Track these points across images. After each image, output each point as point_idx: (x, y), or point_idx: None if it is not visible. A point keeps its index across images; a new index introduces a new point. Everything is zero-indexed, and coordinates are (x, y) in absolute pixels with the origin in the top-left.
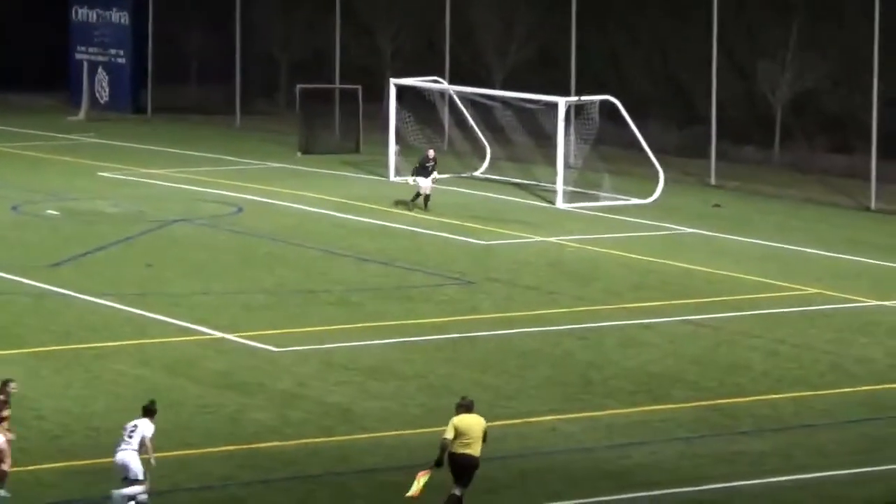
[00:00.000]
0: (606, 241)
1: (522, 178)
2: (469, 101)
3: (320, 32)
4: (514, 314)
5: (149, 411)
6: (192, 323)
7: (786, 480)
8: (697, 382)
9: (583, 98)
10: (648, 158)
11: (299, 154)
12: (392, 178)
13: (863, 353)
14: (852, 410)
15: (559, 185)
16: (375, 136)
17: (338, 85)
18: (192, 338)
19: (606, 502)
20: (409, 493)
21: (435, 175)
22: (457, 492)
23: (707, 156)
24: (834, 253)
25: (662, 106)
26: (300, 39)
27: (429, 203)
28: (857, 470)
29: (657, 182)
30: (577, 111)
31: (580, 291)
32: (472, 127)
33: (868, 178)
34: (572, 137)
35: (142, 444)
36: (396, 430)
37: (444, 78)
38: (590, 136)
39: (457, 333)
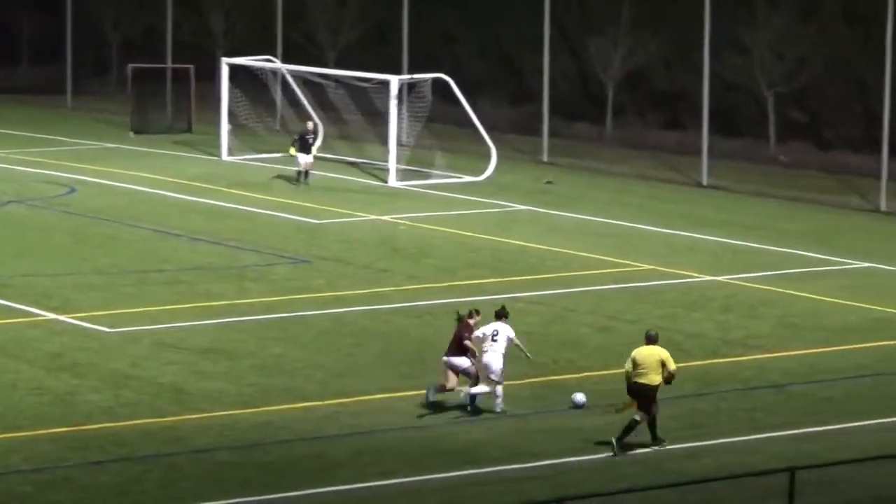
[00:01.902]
0: (439, 219)
1: (355, 157)
2: (302, 79)
3: (152, 11)
4: (346, 293)
5: None
6: (23, 304)
7: (622, 456)
8: (531, 359)
9: (415, 76)
10: (481, 136)
11: (132, 134)
12: (224, 157)
13: (695, 328)
14: (684, 385)
15: (392, 164)
16: (208, 116)
17: (170, 64)
18: (23, 319)
19: (440, 479)
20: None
21: (317, 145)
22: (637, 417)
23: (539, 133)
24: (666, 229)
25: (495, 83)
26: (131, 18)
27: (308, 178)
28: (690, 444)
29: (490, 159)
30: (410, 89)
31: (413, 269)
32: (304, 106)
33: (700, 154)
34: (405, 115)
35: None
36: (228, 409)
37: (276, 57)
38: (422, 114)
39: (289, 312)
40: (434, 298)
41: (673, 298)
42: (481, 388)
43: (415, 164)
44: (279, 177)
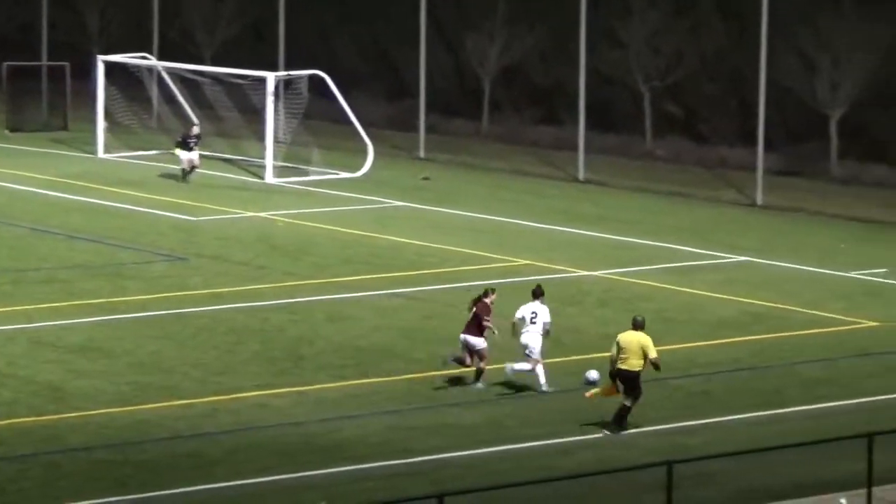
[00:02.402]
0: (316, 216)
1: (232, 154)
2: (178, 77)
3: (27, 8)
4: (223, 290)
5: None
6: None
7: (496, 451)
8: (407, 355)
9: (291, 73)
10: (358, 132)
11: (7, 132)
12: (101, 154)
13: (572, 323)
14: (563, 380)
15: (268, 160)
16: (84, 114)
17: (45, 62)
18: None
19: (317, 476)
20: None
21: (197, 150)
22: (627, 403)
23: (416, 129)
24: (543, 224)
25: (371, 80)
26: (6, 15)
27: (190, 176)
28: (567, 439)
29: (366, 156)
30: (286, 86)
31: (290, 266)
32: (181, 103)
33: (576, 149)
34: (281, 112)
35: None
36: (106, 408)
37: (152, 54)
38: (299, 110)
39: (167, 310)
40: (311, 295)
41: (550, 293)
42: (523, 366)
43: (291, 160)
44: (156, 174)
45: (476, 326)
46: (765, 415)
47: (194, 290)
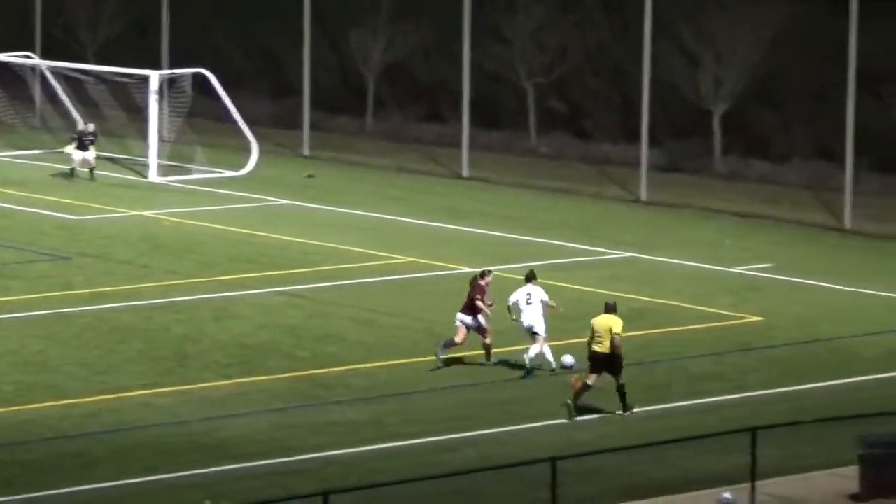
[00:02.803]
0: (201, 214)
1: (116, 153)
2: (62, 75)
3: None
4: (107, 289)
5: None
6: None
7: (380, 448)
8: (292, 353)
9: (175, 71)
10: (242, 130)
11: None
12: None
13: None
14: (446, 378)
15: (152, 159)
16: None
17: None
18: None
19: (201, 475)
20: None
21: (93, 150)
22: (588, 381)
23: (300, 126)
24: (427, 221)
25: (256, 77)
26: None
27: (91, 174)
28: (450, 436)
29: (250, 154)
30: (170, 84)
31: (174, 265)
32: (64, 102)
33: (460, 147)
34: (165, 111)
35: None
36: None
37: (35, 53)
38: (183, 109)
39: (50, 310)
40: (196, 294)
41: (433, 290)
42: (534, 349)
43: (176, 159)
44: (40, 173)
45: (469, 307)
46: (651, 409)
47: (78, 290)
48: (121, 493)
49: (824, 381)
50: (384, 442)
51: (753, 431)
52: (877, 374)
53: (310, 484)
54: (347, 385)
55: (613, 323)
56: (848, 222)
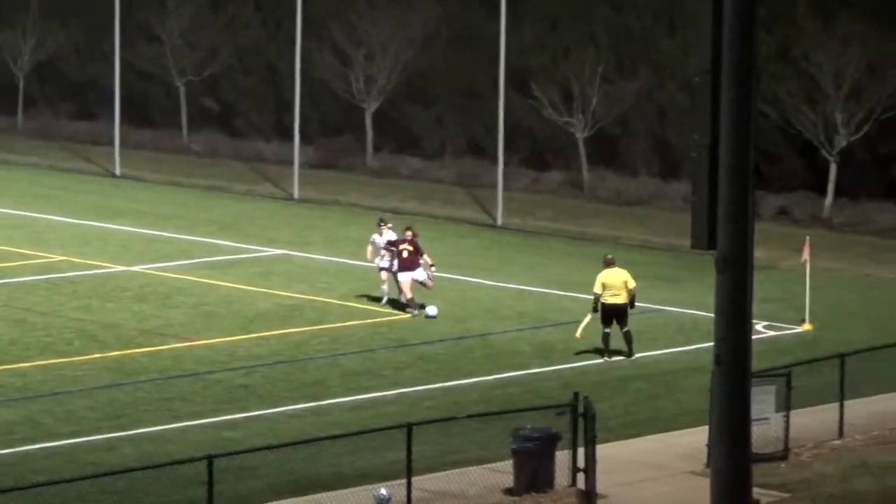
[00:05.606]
0: None
1: None
2: None
3: None
4: None
5: None
6: None
7: (37, 448)
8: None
9: None
10: None
11: None
12: None
13: (110, 318)
14: (101, 376)
15: None
16: None
17: None
18: None
19: None
20: (577, 335)
21: None
22: (607, 329)
23: None
24: (78, 219)
25: None
26: None
27: None
28: (109, 435)
29: None
30: None
31: None
32: None
33: (112, 144)
34: None
35: None
36: None
37: None
38: None
39: None
40: None
41: (86, 289)
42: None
43: None
44: None
45: (405, 263)
46: (307, 406)
47: None
48: None
49: (478, 376)
50: (40, 442)
51: (409, 427)
52: (529, 368)
53: None
54: (2, 385)
55: (626, 276)
56: (499, 218)
